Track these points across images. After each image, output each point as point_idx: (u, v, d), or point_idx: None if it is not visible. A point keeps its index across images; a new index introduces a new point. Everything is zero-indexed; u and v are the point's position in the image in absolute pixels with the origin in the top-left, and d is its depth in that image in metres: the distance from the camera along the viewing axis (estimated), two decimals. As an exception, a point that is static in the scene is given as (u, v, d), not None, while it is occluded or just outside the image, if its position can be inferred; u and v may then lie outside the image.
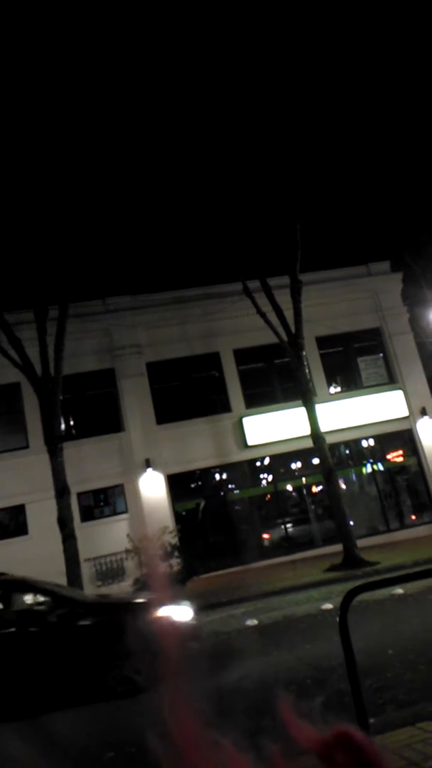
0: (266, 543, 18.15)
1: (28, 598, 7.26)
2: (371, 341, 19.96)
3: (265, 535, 18.25)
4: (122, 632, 6.30)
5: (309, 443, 15.59)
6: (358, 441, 19.22)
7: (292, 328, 15.35)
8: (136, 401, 17.82)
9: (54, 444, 13.59)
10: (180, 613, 7.06)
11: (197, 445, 17.77)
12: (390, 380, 19.74)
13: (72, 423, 17.73)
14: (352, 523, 14.99)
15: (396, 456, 19.59)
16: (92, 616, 6.87)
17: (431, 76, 24.89)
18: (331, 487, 14.81)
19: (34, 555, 15.68)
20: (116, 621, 6.79)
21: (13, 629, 6.66)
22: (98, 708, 6.12)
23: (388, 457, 19.52)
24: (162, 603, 6.87)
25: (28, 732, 5.46)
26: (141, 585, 12.95)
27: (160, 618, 6.69)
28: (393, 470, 19.51)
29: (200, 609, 7.69)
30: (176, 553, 14.89)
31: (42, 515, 15.43)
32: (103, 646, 6.52)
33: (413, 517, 18.90)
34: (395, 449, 19.55)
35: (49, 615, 6.74)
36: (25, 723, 5.80)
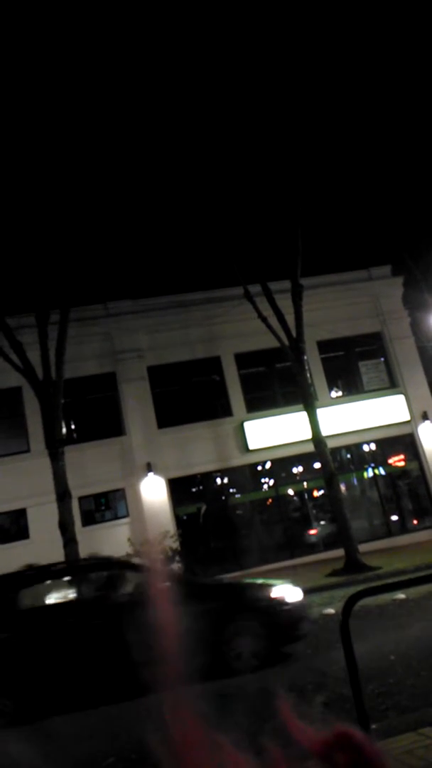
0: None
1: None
2: (372, 345, 19.97)
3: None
4: (241, 611, 6.67)
5: (310, 447, 15.57)
6: (359, 445, 19.19)
7: (294, 332, 15.35)
8: (137, 405, 17.82)
9: (55, 448, 13.59)
10: (291, 593, 7.23)
11: (198, 449, 17.76)
12: (391, 384, 19.73)
13: (73, 427, 17.72)
14: (353, 527, 14.94)
15: (397, 460, 19.56)
16: (212, 597, 7.06)
17: (429, 83, 24.98)
18: (333, 492, 14.79)
19: (36, 559, 15.61)
20: (235, 601, 7.12)
21: (131, 610, 6.76)
22: (102, 711, 6.10)
23: (390, 461, 19.48)
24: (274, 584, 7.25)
25: (29, 736, 5.45)
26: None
27: (275, 598, 7.02)
28: (394, 475, 19.47)
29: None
30: (177, 558, 14.85)
31: (43, 519, 15.40)
32: (222, 625, 6.66)
33: (415, 522, 18.86)
34: (397, 454, 19.52)
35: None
36: (26, 727, 5.78)
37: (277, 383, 19.07)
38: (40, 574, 7.71)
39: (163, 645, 6.46)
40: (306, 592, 12.26)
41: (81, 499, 16.54)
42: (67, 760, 4.73)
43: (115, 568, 7.68)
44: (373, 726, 3.99)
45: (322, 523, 18.36)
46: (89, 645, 6.48)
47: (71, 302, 14.57)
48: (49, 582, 7.59)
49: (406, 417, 19.17)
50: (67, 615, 6.89)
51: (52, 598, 7.39)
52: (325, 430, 15.58)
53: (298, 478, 18.85)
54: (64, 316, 14.13)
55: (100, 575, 7.60)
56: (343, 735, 0.77)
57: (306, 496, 18.79)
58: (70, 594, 7.31)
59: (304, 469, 18.71)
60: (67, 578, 7.67)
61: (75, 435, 17.57)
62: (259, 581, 8.12)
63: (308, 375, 16.28)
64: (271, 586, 7.36)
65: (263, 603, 7.01)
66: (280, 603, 7.02)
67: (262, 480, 18.76)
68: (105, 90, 14.58)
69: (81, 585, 7.34)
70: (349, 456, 19.36)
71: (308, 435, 15.33)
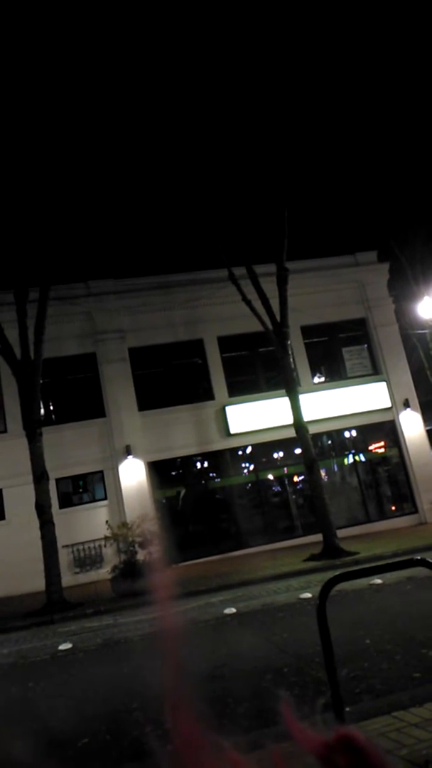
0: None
1: None
2: (356, 332, 19.93)
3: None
4: None
5: (292, 433, 15.54)
6: (340, 431, 19.23)
7: (278, 317, 15.23)
8: (117, 387, 17.61)
9: (33, 429, 13.38)
10: None
11: (179, 432, 17.65)
12: (374, 371, 19.76)
13: (52, 408, 17.49)
14: (332, 513, 14.99)
15: (378, 447, 19.66)
16: None
17: (416, 67, 24.77)
18: (313, 477, 14.80)
19: (12, 541, 15.53)
20: None
21: None
22: (76, 694, 6.02)
23: (370, 448, 19.58)
24: None
25: (2, 716, 5.35)
26: (120, 572, 12.85)
27: None
28: (375, 461, 19.59)
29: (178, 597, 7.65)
30: (155, 542, 14.79)
31: (20, 501, 15.24)
32: None
33: (393, 508, 19.02)
34: (377, 440, 19.62)
35: None
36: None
37: (260, 368, 18.99)
38: None
39: None
40: (284, 576, 12.38)
41: (59, 480, 16.40)
42: (40, 740, 4.63)
43: None
44: (347, 709, 3.95)
45: (302, 508, 18.42)
46: None
47: (51, 280, 14.28)
48: None
49: (388, 404, 19.23)
50: None
51: None
52: (307, 416, 15.54)
53: (278, 463, 18.86)
54: (43, 294, 13.85)
55: None
56: (346, 737, 0.69)
57: (286, 481, 18.82)
58: None
59: (284, 455, 18.72)
60: None
61: (53, 416, 17.35)
62: None
63: (291, 360, 16.18)
64: None
65: None
66: None
67: (243, 464, 18.74)
68: (87, 72, 14.20)
69: None
70: (330, 442, 19.41)
71: (290, 420, 15.28)
